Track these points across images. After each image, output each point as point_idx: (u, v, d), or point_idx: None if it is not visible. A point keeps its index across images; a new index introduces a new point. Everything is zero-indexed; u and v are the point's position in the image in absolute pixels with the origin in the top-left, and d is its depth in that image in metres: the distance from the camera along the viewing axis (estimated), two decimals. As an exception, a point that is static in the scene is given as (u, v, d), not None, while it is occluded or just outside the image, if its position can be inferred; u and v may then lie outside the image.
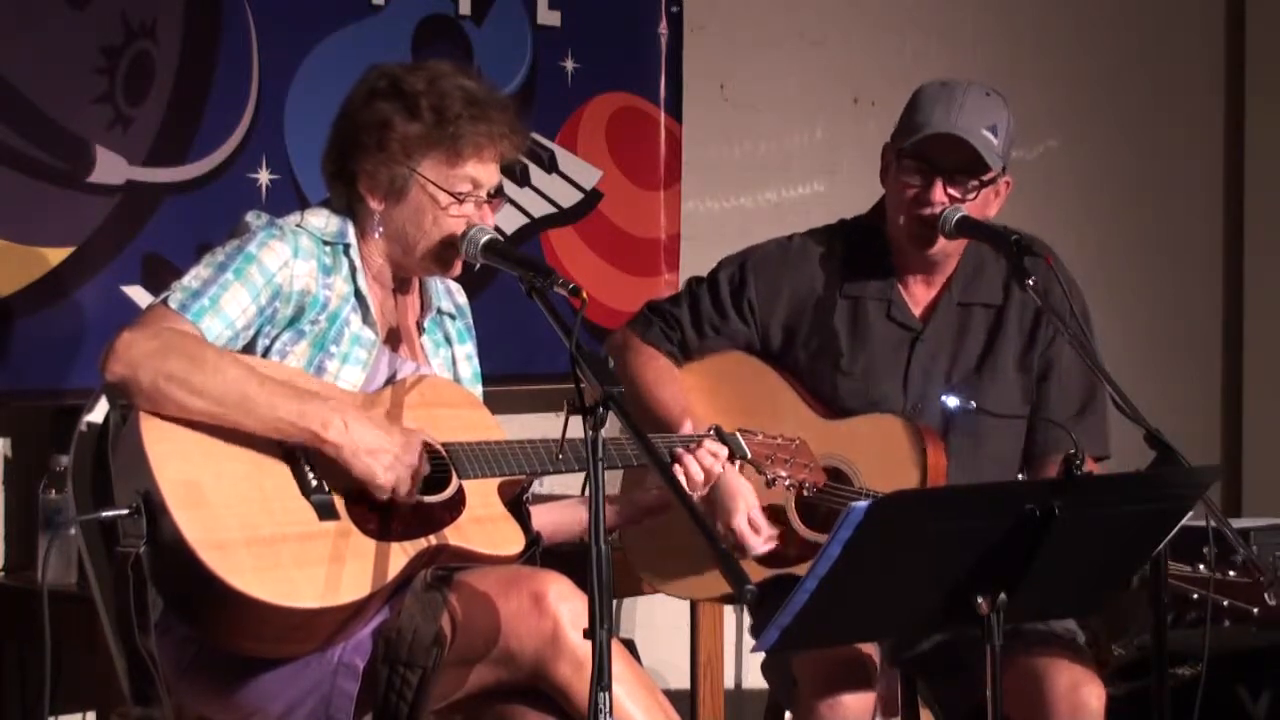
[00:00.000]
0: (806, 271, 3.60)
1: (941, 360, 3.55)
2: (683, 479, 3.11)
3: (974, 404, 3.47)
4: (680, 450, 3.14)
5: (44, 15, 3.93)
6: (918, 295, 3.59)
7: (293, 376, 2.91)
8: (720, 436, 3.20)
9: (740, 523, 3.34)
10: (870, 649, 3.33)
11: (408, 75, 3.03)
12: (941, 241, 3.47)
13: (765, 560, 3.44)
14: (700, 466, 3.14)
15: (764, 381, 3.58)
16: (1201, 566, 3.18)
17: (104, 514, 2.82)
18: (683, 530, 3.44)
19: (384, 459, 2.85)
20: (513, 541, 2.97)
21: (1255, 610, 3.17)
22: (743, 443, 3.25)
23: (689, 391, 3.55)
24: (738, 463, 3.26)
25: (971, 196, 3.46)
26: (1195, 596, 3.19)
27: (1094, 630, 4.24)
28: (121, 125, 4.04)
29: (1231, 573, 3.18)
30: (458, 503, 2.94)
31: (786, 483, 3.30)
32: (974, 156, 3.42)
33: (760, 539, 3.36)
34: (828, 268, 3.60)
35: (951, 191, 3.45)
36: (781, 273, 3.60)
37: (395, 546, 2.85)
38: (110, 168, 4.03)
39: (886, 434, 3.46)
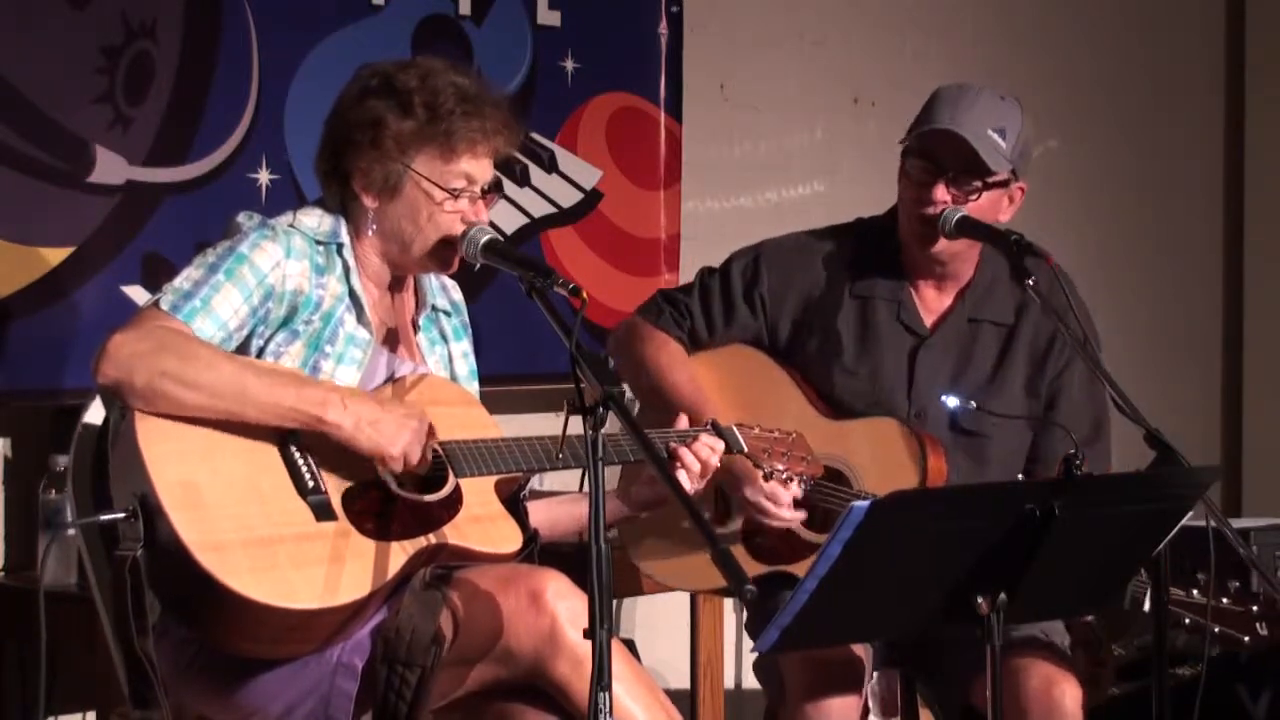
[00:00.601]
0: (818, 268, 3.59)
1: (946, 370, 3.54)
2: (681, 475, 3.11)
3: (974, 404, 3.46)
4: (676, 445, 3.14)
5: (44, 15, 3.92)
6: (929, 301, 3.57)
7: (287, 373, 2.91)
8: (716, 430, 3.20)
9: (754, 494, 3.33)
10: (861, 651, 3.32)
11: (400, 72, 3.03)
12: (943, 242, 3.46)
13: (761, 556, 3.44)
14: (697, 459, 3.14)
15: (768, 377, 3.58)
16: (1195, 592, 3.19)
17: (101, 517, 2.82)
18: (680, 521, 3.44)
19: (388, 428, 2.85)
20: (510, 539, 2.97)
21: (1246, 639, 3.18)
22: (739, 436, 3.25)
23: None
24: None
25: (973, 197, 3.44)
26: (1188, 621, 3.19)
27: (1094, 630, 4.24)
28: (121, 125, 4.04)
29: (1225, 600, 3.18)
30: (455, 501, 2.93)
31: (784, 475, 3.30)
32: (975, 156, 3.41)
33: (788, 495, 3.34)
34: (839, 266, 3.58)
35: (954, 191, 3.44)
36: (794, 267, 3.59)
37: (393, 546, 2.84)
38: (110, 168, 4.02)
39: (886, 438, 3.45)
